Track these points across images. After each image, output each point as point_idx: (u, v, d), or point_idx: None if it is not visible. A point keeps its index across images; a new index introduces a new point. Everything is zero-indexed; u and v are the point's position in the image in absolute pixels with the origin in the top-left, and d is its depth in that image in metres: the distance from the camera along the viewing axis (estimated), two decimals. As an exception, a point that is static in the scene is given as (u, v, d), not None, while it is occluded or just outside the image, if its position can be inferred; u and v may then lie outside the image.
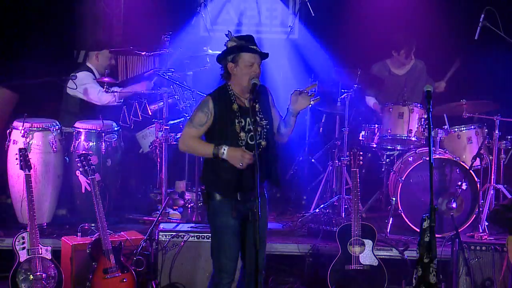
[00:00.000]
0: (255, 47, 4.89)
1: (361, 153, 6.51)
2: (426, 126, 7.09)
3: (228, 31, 5.01)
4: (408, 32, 7.75)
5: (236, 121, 4.87)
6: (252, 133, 4.87)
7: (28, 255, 5.84)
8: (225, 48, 4.94)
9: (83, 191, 6.75)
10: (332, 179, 7.54)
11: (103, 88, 7.09)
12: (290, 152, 8.08)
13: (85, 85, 7.21)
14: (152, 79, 7.36)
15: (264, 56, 4.95)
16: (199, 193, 7.15)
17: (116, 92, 7.14)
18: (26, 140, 6.67)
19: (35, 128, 6.75)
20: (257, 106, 4.96)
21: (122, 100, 7.21)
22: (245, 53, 4.86)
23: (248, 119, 4.88)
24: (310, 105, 4.95)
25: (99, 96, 7.18)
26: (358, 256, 6.21)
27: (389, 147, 7.41)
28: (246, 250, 5.02)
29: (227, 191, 4.92)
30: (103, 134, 6.87)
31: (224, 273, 4.97)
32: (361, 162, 6.50)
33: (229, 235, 4.95)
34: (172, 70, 7.22)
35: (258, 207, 4.60)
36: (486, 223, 6.81)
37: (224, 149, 4.80)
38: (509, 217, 5.76)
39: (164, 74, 7.07)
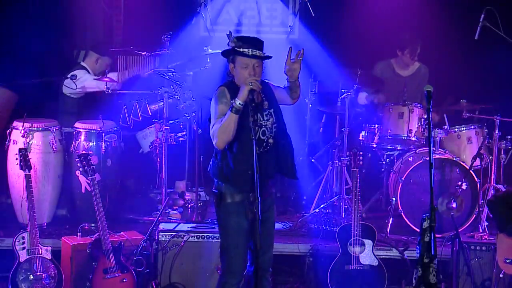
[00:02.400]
0: (249, 50, 4.88)
1: (361, 153, 6.52)
2: (426, 126, 7.09)
3: (230, 31, 5.02)
4: (413, 32, 7.76)
5: (250, 113, 4.82)
6: (263, 128, 4.91)
7: (28, 255, 5.85)
8: (228, 47, 4.95)
9: (83, 191, 6.75)
10: (332, 179, 7.54)
11: (104, 88, 7.09)
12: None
13: (82, 82, 7.22)
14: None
15: (265, 58, 4.95)
16: (199, 193, 7.16)
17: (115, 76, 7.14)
18: (26, 140, 6.67)
19: (35, 128, 6.75)
20: (265, 103, 5.00)
21: (120, 86, 7.17)
22: (239, 56, 4.88)
23: (259, 114, 4.91)
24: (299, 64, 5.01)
25: (96, 83, 7.18)
26: (358, 256, 6.22)
27: (389, 147, 7.41)
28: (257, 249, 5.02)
29: (241, 185, 4.88)
30: (103, 134, 6.86)
31: (233, 273, 4.99)
32: (361, 162, 6.51)
33: (241, 236, 4.95)
34: (172, 70, 7.22)
35: (258, 207, 4.61)
36: (486, 223, 6.81)
37: (234, 100, 4.77)
38: (500, 211, 5.76)
39: (164, 74, 7.08)
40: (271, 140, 4.97)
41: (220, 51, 5.06)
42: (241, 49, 4.88)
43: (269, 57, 4.99)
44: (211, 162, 5.08)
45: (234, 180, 4.90)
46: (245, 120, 4.82)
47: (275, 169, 5.06)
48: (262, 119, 4.94)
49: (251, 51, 4.88)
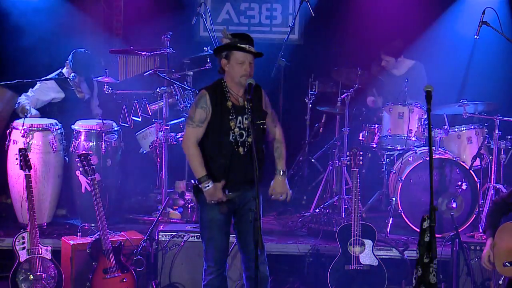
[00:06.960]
0: (247, 46, 4.91)
1: (361, 153, 6.51)
2: (426, 126, 7.09)
3: (224, 27, 5.05)
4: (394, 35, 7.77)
5: (230, 117, 4.93)
6: (241, 131, 4.95)
7: (28, 255, 5.84)
8: (221, 43, 5.00)
9: (83, 191, 6.75)
10: (332, 179, 7.54)
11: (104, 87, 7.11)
12: (290, 152, 8.06)
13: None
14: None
15: (258, 55, 4.97)
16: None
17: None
18: (26, 140, 6.67)
19: (35, 128, 6.75)
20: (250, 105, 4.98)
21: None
22: (236, 51, 4.91)
23: (239, 118, 4.95)
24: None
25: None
26: (358, 256, 6.21)
27: (389, 147, 7.41)
28: (245, 249, 5.09)
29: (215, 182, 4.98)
30: (103, 134, 6.86)
31: (212, 263, 5.10)
32: (361, 162, 6.50)
33: (215, 229, 5.07)
34: (172, 70, 7.22)
35: (258, 206, 4.61)
36: (486, 223, 6.81)
37: (208, 186, 4.92)
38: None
39: (164, 74, 7.08)
40: (249, 139, 4.94)
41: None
42: (239, 44, 4.90)
43: (262, 55, 5.00)
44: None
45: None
46: (223, 123, 4.91)
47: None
48: (241, 123, 4.96)
49: (249, 47, 4.91)
